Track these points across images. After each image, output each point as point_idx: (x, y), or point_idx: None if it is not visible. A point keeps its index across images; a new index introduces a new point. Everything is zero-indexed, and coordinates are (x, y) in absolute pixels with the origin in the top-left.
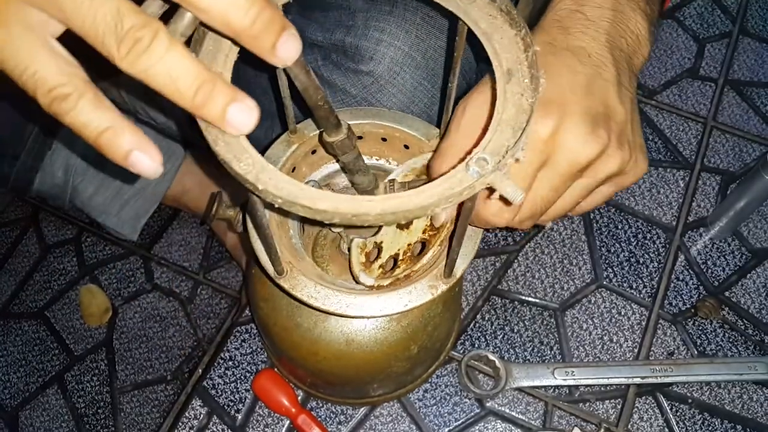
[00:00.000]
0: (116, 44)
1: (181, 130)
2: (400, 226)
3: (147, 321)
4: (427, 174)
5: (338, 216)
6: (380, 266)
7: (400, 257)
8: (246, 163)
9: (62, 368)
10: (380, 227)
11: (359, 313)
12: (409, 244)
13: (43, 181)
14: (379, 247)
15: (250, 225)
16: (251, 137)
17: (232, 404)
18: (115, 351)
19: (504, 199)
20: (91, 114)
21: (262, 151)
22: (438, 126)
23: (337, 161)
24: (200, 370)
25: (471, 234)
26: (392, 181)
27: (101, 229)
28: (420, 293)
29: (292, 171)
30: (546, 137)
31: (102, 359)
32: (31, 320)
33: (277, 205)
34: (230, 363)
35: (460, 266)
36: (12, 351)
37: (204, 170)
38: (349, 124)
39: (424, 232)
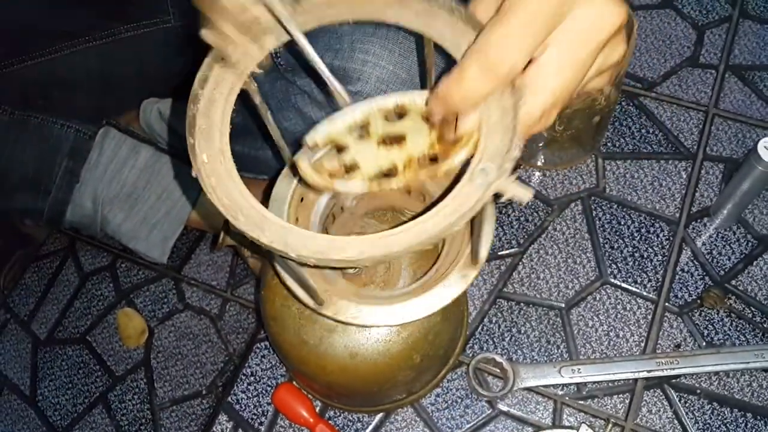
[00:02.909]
0: None
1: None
2: (384, 143)
3: (181, 339)
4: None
5: (369, 260)
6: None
7: (400, 170)
8: (270, 231)
9: (105, 389)
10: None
11: (401, 320)
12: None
13: (74, 212)
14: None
15: (279, 267)
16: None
17: (255, 417)
18: (153, 369)
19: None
20: None
21: (267, 189)
22: None
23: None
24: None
25: (487, 216)
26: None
27: (134, 254)
28: (455, 284)
29: (301, 201)
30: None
31: (141, 378)
32: (75, 345)
33: (311, 264)
34: (252, 378)
35: (483, 249)
36: (59, 375)
37: None
38: None
39: (432, 147)
